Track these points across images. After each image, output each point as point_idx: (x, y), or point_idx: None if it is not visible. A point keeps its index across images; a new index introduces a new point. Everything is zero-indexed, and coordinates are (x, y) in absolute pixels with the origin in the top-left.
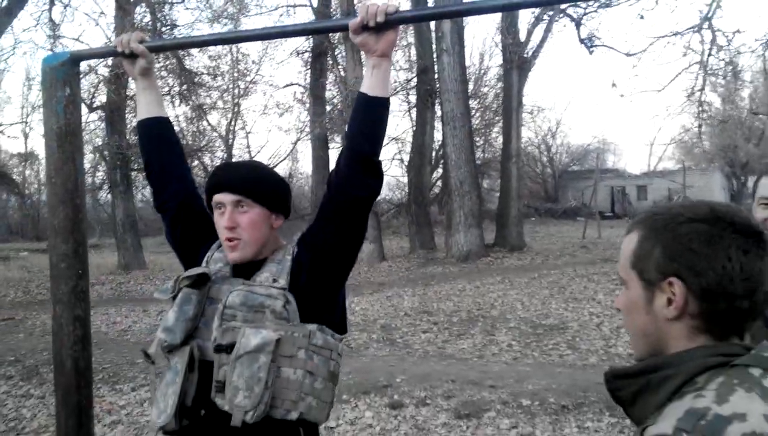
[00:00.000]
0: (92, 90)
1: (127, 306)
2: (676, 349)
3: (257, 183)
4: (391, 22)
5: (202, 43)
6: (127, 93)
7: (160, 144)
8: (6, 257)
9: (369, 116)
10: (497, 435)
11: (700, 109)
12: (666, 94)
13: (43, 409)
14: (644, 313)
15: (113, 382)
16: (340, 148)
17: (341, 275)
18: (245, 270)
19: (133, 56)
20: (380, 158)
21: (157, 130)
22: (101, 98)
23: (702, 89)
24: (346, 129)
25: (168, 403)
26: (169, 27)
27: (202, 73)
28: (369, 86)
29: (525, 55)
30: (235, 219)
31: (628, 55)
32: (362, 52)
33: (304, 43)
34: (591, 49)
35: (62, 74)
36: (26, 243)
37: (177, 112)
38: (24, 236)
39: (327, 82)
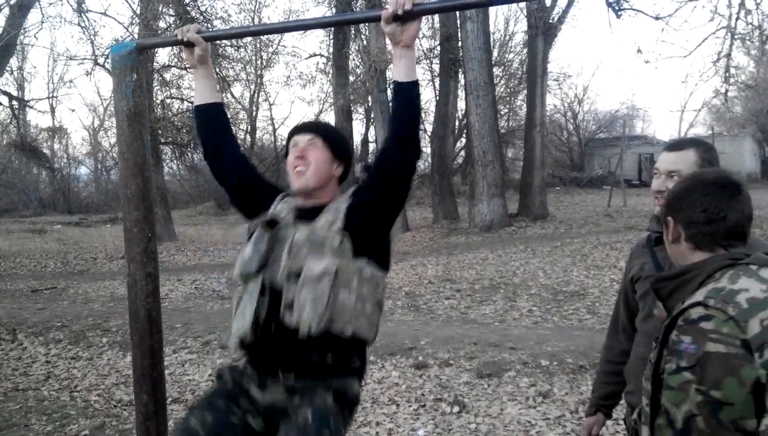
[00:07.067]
0: None
1: (162, 276)
2: (690, 261)
3: (328, 129)
4: (417, 12)
5: (252, 33)
6: (153, 66)
7: (214, 127)
8: (42, 230)
9: (405, 101)
10: (517, 393)
11: (727, 74)
12: (698, 59)
13: (92, 370)
14: (669, 242)
15: None
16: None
17: (386, 227)
18: (307, 215)
19: (191, 45)
20: (419, 135)
21: (212, 115)
22: None
23: (728, 54)
24: (390, 114)
25: (246, 318)
26: None
27: (226, 45)
28: (398, 74)
29: (551, 21)
30: (305, 151)
31: (656, 18)
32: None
33: (326, 12)
34: (619, 13)
35: (130, 61)
36: (59, 216)
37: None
38: (56, 209)
39: (350, 53)
